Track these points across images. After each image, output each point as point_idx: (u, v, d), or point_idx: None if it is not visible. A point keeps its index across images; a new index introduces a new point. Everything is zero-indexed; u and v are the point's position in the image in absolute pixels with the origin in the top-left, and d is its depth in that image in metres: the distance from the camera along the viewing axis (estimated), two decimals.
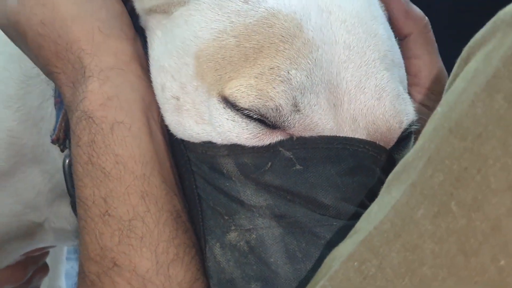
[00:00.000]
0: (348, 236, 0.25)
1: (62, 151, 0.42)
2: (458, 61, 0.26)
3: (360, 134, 0.28)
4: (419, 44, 0.34)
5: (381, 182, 0.27)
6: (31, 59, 0.35)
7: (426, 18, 0.35)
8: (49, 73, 0.33)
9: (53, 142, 0.41)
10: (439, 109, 0.25)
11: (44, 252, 0.55)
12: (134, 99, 0.31)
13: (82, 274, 0.29)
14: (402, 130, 0.30)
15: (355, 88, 0.28)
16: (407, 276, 0.22)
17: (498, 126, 0.21)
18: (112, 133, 0.30)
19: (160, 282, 0.27)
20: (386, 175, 0.26)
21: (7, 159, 0.46)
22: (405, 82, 0.32)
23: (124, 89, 0.31)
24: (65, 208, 0.46)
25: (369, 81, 0.29)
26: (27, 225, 0.48)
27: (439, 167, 0.22)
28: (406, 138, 0.31)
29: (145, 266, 0.27)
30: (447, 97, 0.25)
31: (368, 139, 0.29)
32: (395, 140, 0.30)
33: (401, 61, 0.32)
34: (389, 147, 0.30)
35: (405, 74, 0.32)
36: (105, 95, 0.30)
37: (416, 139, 0.27)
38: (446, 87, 0.26)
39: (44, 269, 0.56)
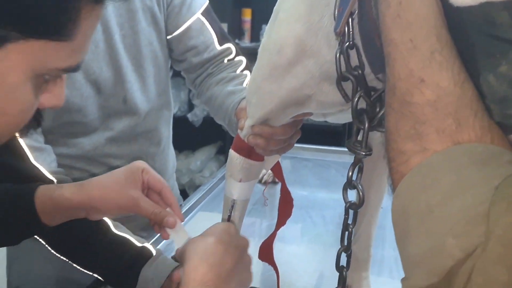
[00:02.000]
0: None
1: (339, 41, 0.57)
2: None
3: None
4: None
5: None
6: None
7: None
8: None
9: (337, 34, 0.56)
10: None
11: (300, 120, 0.75)
12: None
13: (391, 92, 0.41)
14: None
15: None
16: None
17: None
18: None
19: (457, 93, 0.37)
20: None
21: (294, 53, 0.64)
22: None
23: None
24: (328, 87, 0.63)
25: None
26: (301, 96, 0.66)
27: None
28: None
29: (445, 82, 0.37)
30: None
31: None
32: None
33: None
34: None
35: None
36: None
37: None
38: None
39: (299, 131, 0.78)
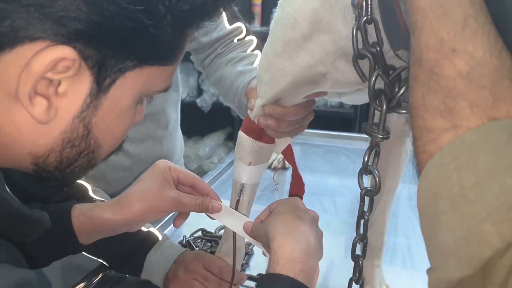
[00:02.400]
0: None
1: (356, 15, 0.54)
2: None
3: None
4: None
5: None
6: None
7: None
8: None
9: (354, 6, 0.53)
10: None
11: (313, 101, 0.73)
12: None
13: (417, 64, 0.37)
14: None
15: None
16: None
17: None
18: None
19: (494, 63, 0.33)
20: None
21: (309, 28, 0.60)
22: None
23: None
24: (344, 64, 0.60)
25: None
26: (315, 74, 0.63)
27: None
28: None
29: (480, 51, 0.34)
30: None
31: None
32: None
33: None
34: None
35: None
36: None
37: None
38: None
39: (312, 113, 0.75)
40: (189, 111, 1.52)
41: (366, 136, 0.60)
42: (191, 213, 1.16)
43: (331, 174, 1.47)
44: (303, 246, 0.60)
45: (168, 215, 0.75)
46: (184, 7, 0.45)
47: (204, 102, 2.94)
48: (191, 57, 1.13)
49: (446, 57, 0.35)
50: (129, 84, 0.48)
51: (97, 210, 0.73)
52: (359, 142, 1.69)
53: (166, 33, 0.46)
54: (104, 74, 0.45)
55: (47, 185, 0.52)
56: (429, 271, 0.34)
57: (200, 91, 3.02)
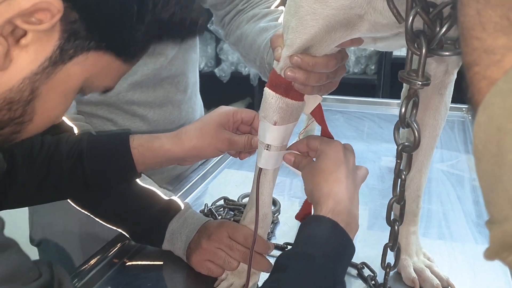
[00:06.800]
0: None
1: None
2: None
3: None
4: None
5: None
6: None
7: None
8: None
9: None
10: None
11: (346, 53, 0.66)
12: None
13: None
14: None
15: None
16: None
17: None
18: None
19: None
20: None
21: None
22: None
23: None
24: (382, 4, 0.53)
25: None
26: (350, 17, 0.56)
27: None
28: None
29: None
30: None
31: None
32: None
33: None
34: None
35: None
36: None
37: None
38: None
39: (344, 67, 0.68)
40: (207, 81, 1.46)
41: (391, 100, 0.54)
42: (211, 181, 1.14)
43: (357, 140, 1.41)
44: (345, 204, 0.64)
45: (221, 154, 0.85)
46: (164, 15, 0.48)
47: (223, 71, 2.87)
48: (208, 25, 1.06)
49: None
50: (86, 64, 0.46)
51: (157, 142, 0.77)
52: (384, 107, 1.63)
53: (139, 30, 0.47)
54: (72, 44, 0.44)
55: None
56: (491, 224, 0.28)
57: (218, 61, 2.95)
